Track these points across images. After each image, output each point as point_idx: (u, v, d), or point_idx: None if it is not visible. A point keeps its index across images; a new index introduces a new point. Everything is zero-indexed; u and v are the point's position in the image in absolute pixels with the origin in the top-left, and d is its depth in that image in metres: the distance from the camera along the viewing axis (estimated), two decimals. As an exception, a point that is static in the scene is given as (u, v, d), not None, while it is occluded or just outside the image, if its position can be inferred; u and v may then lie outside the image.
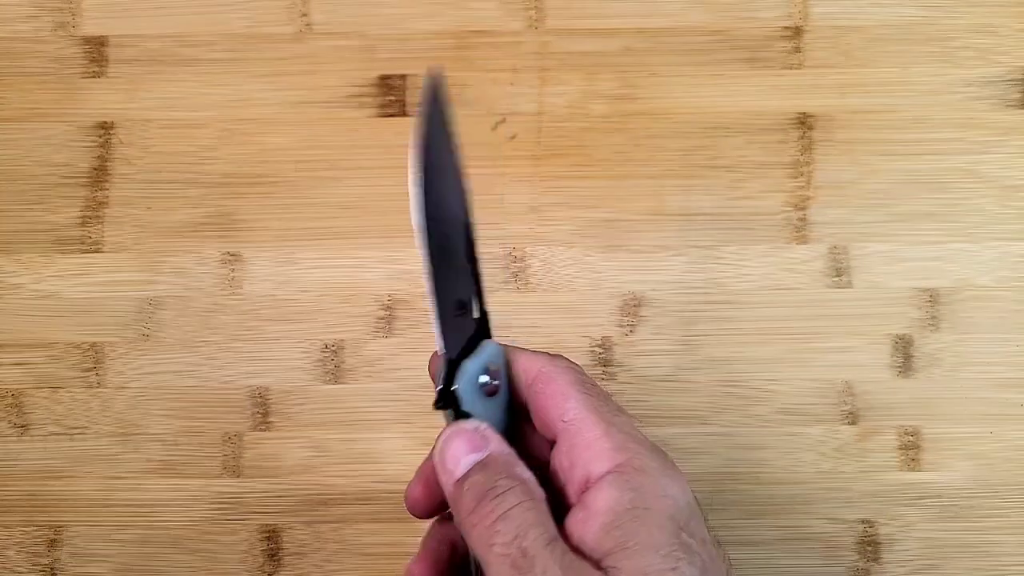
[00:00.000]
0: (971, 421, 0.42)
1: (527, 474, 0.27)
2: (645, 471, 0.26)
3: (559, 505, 0.27)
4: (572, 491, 0.27)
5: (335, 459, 0.41)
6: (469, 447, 0.27)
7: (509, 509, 0.26)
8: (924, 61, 0.43)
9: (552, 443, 0.29)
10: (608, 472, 0.26)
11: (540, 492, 0.26)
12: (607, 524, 0.25)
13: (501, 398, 0.29)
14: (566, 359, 0.30)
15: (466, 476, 0.27)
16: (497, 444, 0.28)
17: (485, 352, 0.29)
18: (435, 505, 0.30)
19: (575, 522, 0.26)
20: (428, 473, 0.29)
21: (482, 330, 0.30)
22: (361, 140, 0.43)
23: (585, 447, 0.26)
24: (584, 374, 0.29)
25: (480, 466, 0.27)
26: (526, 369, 0.29)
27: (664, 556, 0.24)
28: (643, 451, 0.26)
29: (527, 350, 0.30)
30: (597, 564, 0.25)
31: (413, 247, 0.42)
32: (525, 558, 0.25)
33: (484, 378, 0.29)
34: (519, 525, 0.25)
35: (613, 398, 0.29)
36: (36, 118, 0.43)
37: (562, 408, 0.27)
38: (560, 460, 0.27)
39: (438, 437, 0.28)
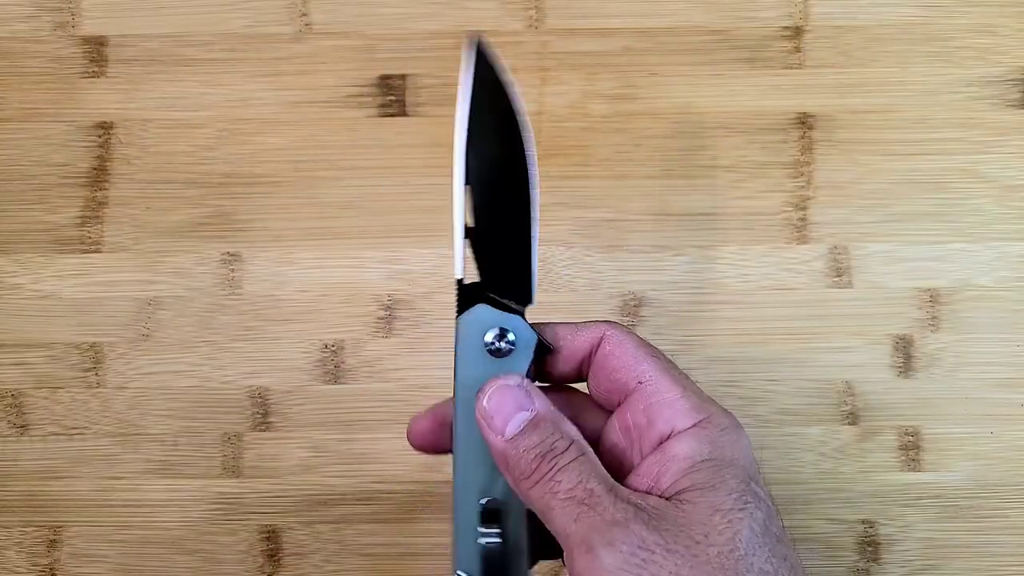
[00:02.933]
0: (971, 421, 0.42)
1: (574, 430, 0.28)
2: (722, 429, 0.28)
3: (612, 463, 0.30)
4: (645, 446, 0.28)
5: (335, 459, 0.41)
6: (516, 405, 0.28)
7: (568, 463, 0.27)
8: (924, 61, 0.43)
9: (595, 405, 0.31)
10: (690, 427, 0.28)
11: (589, 448, 0.28)
12: (685, 468, 0.27)
13: (510, 363, 0.29)
14: (620, 324, 0.31)
15: (519, 437, 0.27)
16: (542, 401, 0.28)
17: (508, 320, 0.29)
18: (438, 443, 0.31)
19: (650, 466, 0.28)
20: (443, 414, 0.31)
21: (517, 294, 0.30)
22: (361, 140, 0.43)
23: (666, 406, 0.28)
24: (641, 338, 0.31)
25: (532, 426, 0.28)
26: (582, 336, 0.30)
27: (736, 498, 0.26)
28: (718, 411, 0.28)
29: (573, 323, 0.31)
30: (666, 499, 0.27)
31: (413, 247, 0.42)
32: (592, 496, 0.26)
33: (491, 336, 0.29)
34: (579, 474, 0.27)
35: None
36: (35, 118, 0.43)
37: (636, 370, 0.29)
38: (634, 418, 0.29)
39: (480, 391, 0.28)
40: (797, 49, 0.44)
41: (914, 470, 0.41)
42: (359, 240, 0.42)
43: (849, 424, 0.42)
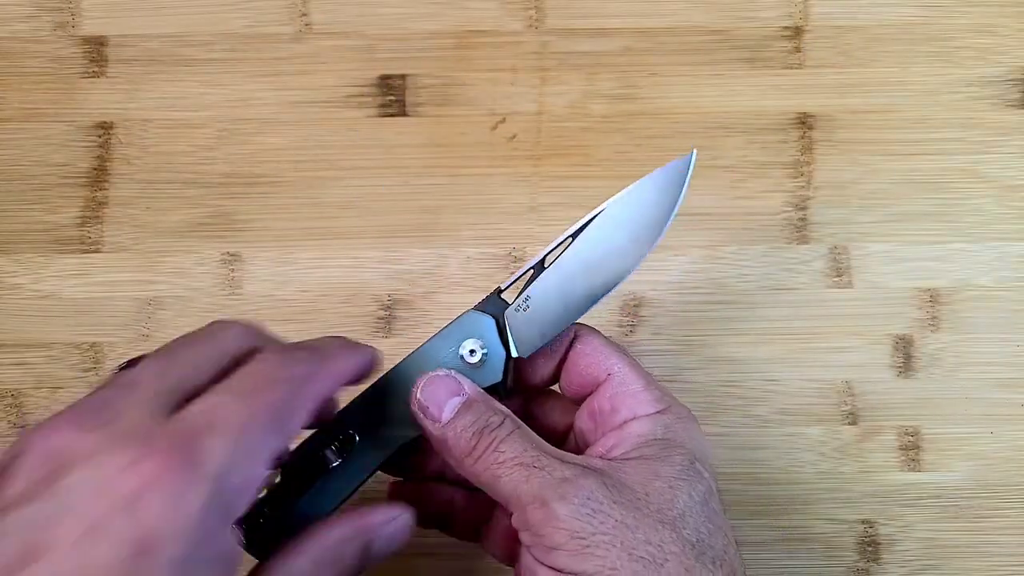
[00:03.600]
0: (971, 421, 0.42)
1: (506, 409, 0.30)
2: (679, 418, 0.31)
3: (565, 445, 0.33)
4: (607, 428, 0.31)
5: (335, 459, 0.41)
6: (447, 391, 0.30)
7: (507, 435, 0.29)
8: (924, 61, 0.43)
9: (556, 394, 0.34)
10: (651, 414, 0.31)
11: (522, 423, 0.30)
12: (637, 443, 0.30)
13: (485, 371, 0.31)
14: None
15: (455, 419, 0.30)
16: (471, 386, 0.30)
17: (475, 323, 0.32)
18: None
19: (606, 440, 0.30)
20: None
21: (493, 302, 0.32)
22: (361, 140, 0.43)
23: (631, 396, 0.31)
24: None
25: (465, 408, 0.30)
26: (558, 341, 0.32)
27: (678, 471, 0.29)
28: (677, 404, 0.31)
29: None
30: (609, 461, 0.29)
31: (412, 247, 0.42)
32: (539, 459, 0.28)
33: (468, 348, 0.31)
34: (522, 443, 0.29)
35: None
36: (35, 118, 0.43)
37: (606, 363, 0.32)
38: (600, 404, 0.32)
39: (413, 387, 0.30)
40: (797, 49, 0.44)
41: (914, 470, 0.41)
42: (359, 240, 0.42)
43: (849, 424, 0.42)
